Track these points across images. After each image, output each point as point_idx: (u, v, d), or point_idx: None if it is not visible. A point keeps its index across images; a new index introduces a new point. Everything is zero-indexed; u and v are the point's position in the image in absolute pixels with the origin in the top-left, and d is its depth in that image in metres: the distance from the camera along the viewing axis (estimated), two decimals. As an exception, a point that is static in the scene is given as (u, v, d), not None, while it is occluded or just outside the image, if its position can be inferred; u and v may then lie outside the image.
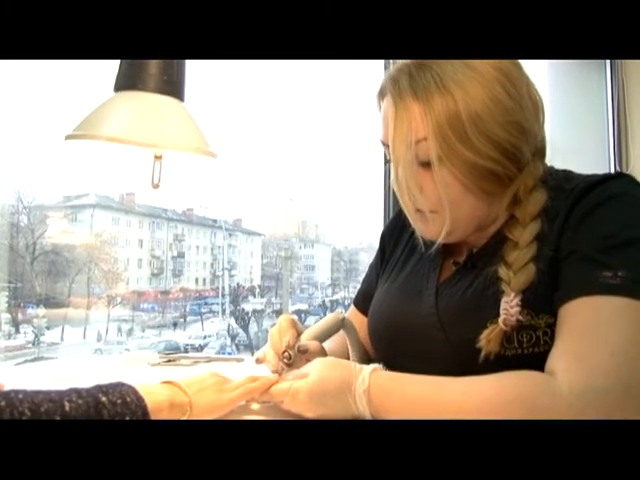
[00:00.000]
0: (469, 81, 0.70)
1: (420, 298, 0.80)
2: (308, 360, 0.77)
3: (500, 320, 0.67)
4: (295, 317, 0.84)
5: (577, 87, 2.36)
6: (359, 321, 0.94)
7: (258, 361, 0.82)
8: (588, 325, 0.61)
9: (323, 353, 0.82)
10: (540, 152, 0.76)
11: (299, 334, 0.81)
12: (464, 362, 0.69)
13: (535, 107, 0.76)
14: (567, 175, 0.77)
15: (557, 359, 0.62)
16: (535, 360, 0.65)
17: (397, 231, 0.96)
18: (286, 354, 0.77)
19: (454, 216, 0.73)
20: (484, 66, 0.71)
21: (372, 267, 1.00)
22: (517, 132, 0.72)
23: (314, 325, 0.84)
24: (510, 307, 0.67)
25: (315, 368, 0.71)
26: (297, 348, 0.78)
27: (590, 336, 0.60)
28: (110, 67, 0.87)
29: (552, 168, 0.78)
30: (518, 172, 0.73)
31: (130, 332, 10.22)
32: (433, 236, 0.77)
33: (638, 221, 0.67)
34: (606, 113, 2.31)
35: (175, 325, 11.05)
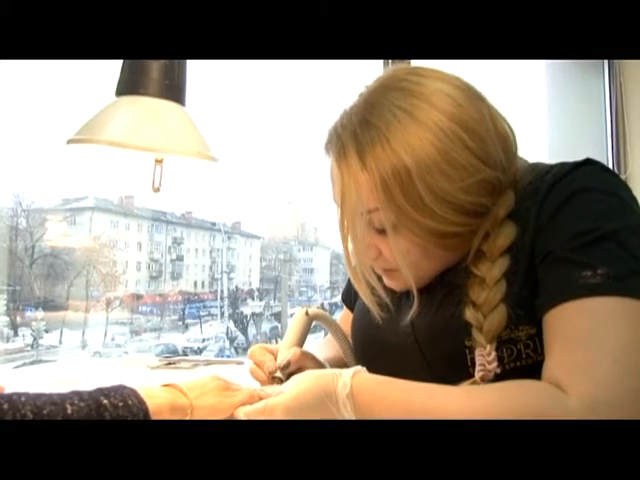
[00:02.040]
0: (418, 141, 0.63)
1: (397, 312, 0.75)
2: (299, 367, 0.75)
3: (478, 376, 0.62)
4: (260, 345, 0.81)
5: (575, 89, 2.36)
6: (350, 317, 0.90)
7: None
8: (582, 331, 0.57)
9: (309, 356, 0.79)
10: (513, 182, 0.69)
11: (275, 355, 0.78)
12: (442, 381, 0.64)
13: (505, 142, 0.69)
14: (534, 169, 0.71)
15: (558, 370, 0.57)
16: (518, 375, 0.60)
17: None
18: (276, 380, 0.75)
19: (416, 273, 0.69)
20: (436, 118, 0.64)
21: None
22: (483, 190, 0.66)
23: (285, 334, 0.81)
24: (487, 362, 0.62)
25: (290, 383, 0.67)
26: (279, 368, 0.75)
27: (588, 344, 0.56)
28: (112, 71, 0.87)
29: (521, 162, 0.72)
30: (484, 220, 0.67)
31: (129, 335, 10.21)
32: (396, 288, 0.74)
33: (608, 214, 0.62)
34: (604, 115, 2.31)
35: (187, 327, 11.07)
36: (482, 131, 0.66)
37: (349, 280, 0.97)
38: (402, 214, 0.64)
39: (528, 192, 0.67)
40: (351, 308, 0.93)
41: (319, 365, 0.80)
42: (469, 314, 0.65)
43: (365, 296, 0.72)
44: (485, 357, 0.62)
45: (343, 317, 0.97)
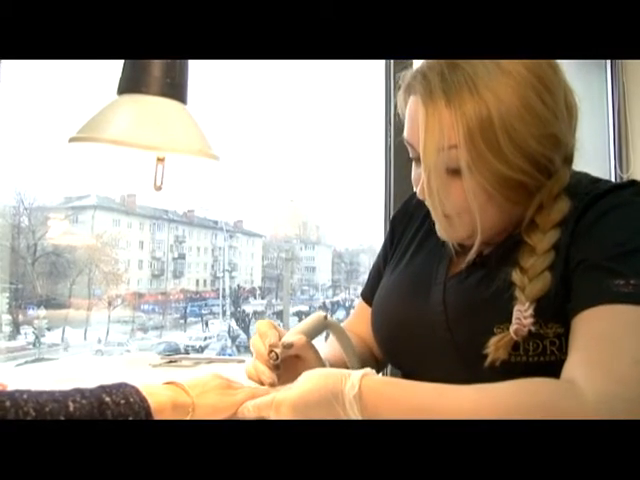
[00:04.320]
0: (503, 87, 0.68)
1: (427, 292, 0.79)
2: (298, 358, 0.76)
3: (512, 329, 0.66)
4: (269, 320, 0.81)
5: (577, 88, 2.36)
6: (367, 314, 0.92)
7: (250, 377, 0.78)
8: (605, 334, 0.59)
9: (312, 349, 0.80)
10: (569, 159, 0.75)
11: (280, 336, 0.78)
12: (468, 364, 0.69)
13: (570, 113, 0.74)
14: (582, 179, 0.75)
15: (575, 368, 0.59)
16: (540, 369, 0.63)
17: (407, 217, 0.95)
18: (272, 354, 0.74)
19: (480, 218, 0.72)
20: (518, 69, 0.69)
21: (379, 255, 0.99)
22: (551, 144, 0.70)
23: (297, 324, 0.82)
24: (523, 317, 0.65)
25: (300, 379, 0.68)
26: (281, 345, 0.75)
27: (609, 345, 0.58)
28: (113, 70, 0.87)
29: (572, 171, 0.76)
30: (547, 180, 0.72)
31: (131, 333, 10.22)
32: (457, 239, 0.77)
33: None
34: (606, 114, 2.31)
35: (188, 325, 11.08)
36: (555, 90, 0.71)
37: (370, 275, 1.00)
38: (478, 155, 0.68)
39: (571, 196, 0.71)
40: (370, 302, 0.94)
41: (320, 361, 0.80)
42: (515, 276, 0.69)
43: (434, 208, 0.74)
44: (522, 312, 0.65)
45: (358, 313, 0.98)
